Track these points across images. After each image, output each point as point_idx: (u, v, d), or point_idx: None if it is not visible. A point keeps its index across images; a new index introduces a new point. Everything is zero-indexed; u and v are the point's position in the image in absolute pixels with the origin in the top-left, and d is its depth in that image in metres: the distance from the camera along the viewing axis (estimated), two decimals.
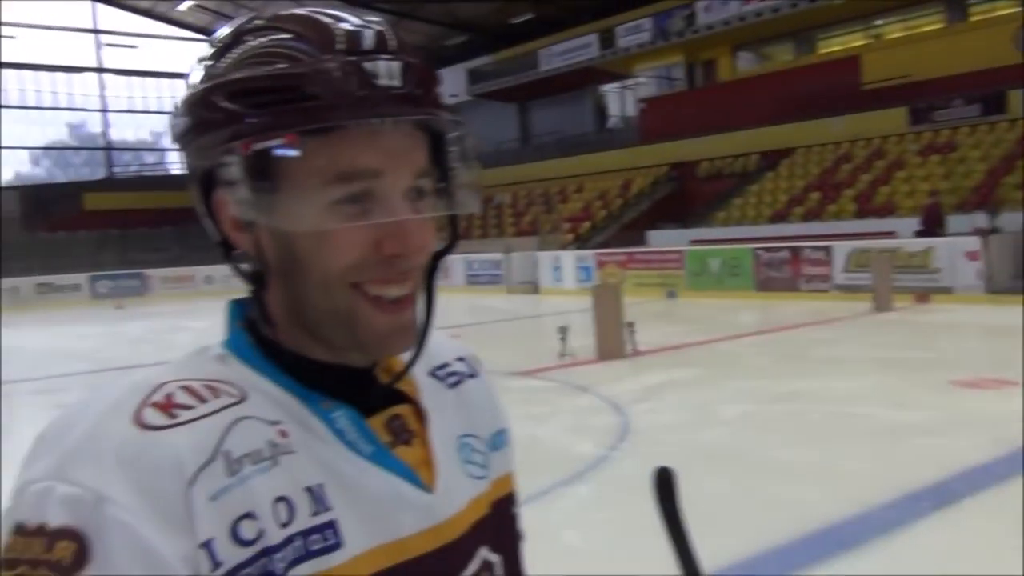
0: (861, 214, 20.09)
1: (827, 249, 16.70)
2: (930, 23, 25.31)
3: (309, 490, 0.67)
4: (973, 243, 14.69)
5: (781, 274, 17.25)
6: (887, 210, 19.65)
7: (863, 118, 23.32)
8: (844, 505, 4.43)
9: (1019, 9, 23.08)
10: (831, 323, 12.80)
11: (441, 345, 0.87)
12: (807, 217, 21.18)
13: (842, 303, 14.89)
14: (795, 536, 4.09)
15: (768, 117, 25.10)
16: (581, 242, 24.32)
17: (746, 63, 30.03)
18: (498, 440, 0.86)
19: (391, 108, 0.67)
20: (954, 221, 16.59)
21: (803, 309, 14.62)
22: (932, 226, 16.03)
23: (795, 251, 17.18)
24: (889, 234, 17.35)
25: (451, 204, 0.75)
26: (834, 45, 27.60)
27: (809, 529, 4.16)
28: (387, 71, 0.67)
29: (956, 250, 14.88)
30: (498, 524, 0.81)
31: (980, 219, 15.83)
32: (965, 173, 19.46)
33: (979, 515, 4.29)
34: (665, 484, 0.83)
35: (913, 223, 17.17)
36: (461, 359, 0.88)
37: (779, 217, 21.88)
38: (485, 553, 0.78)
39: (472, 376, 0.87)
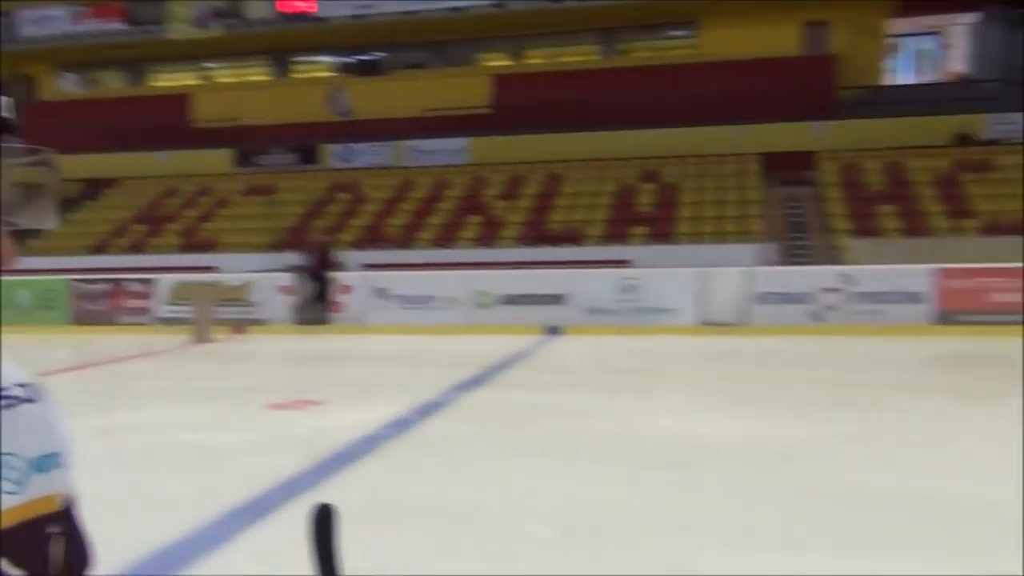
0: (186, 249, 20.30)
1: (150, 282, 16.47)
2: (257, 73, 26.95)
3: None
4: (286, 279, 15.95)
5: (100, 307, 16.46)
6: (210, 246, 20.20)
7: (191, 155, 23.71)
8: (167, 531, 4.35)
9: (331, 74, 25.99)
10: (153, 356, 12.60)
11: (5, 370, 0.91)
12: (131, 250, 20.64)
13: (164, 336, 14.80)
14: (118, 568, 3.88)
15: (93, 144, 23.92)
16: None
17: (72, 84, 28.27)
18: (45, 463, 0.89)
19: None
20: (272, 259, 17.81)
21: (124, 342, 14.14)
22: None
23: (116, 283, 16.57)
24: (211, 268, 17.84)
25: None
26: (165, 80, 27.62)
27: (132, 559, 4.00)
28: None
29: (271, 285, 15.98)
30: (28, 541, 0.83)
31: (292, 257, 17.25)
32: (283, 215, 21.06)
33: (294, 520, 4.61)
34: (323, 523, 0.86)
35: (235, 258, 17.95)
36: (23, 385, 0.91)
37: (100, 248, 20.90)
38: (4, 566, 0.81)
39: (30, 401, 0.90)
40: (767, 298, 13.83)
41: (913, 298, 13.44)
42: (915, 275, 13.58)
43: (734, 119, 21.95)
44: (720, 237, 18.04)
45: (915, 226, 17.47)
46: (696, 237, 18.23)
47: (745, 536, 4.65)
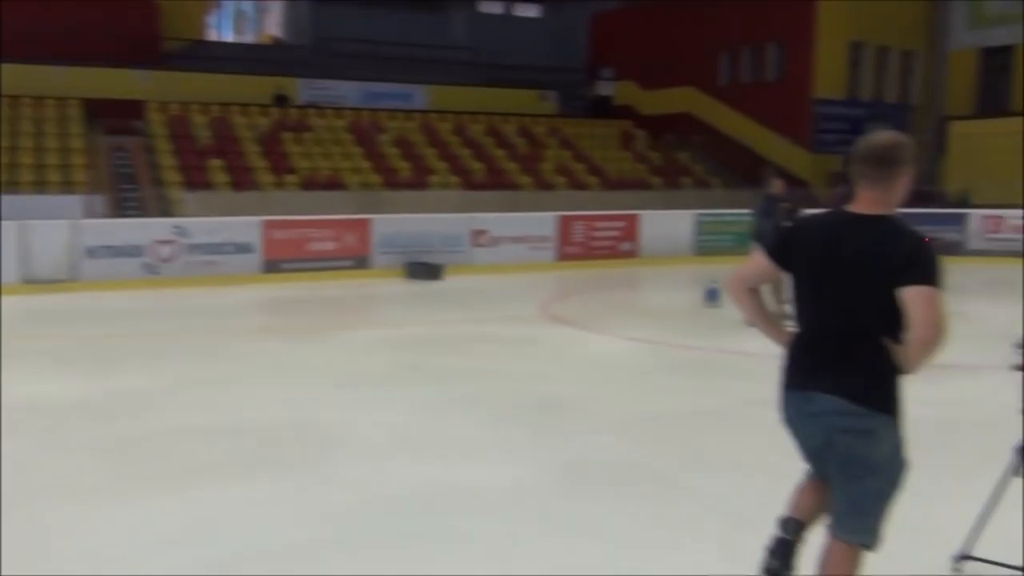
0: None
1: None
2: None
3: None
4: None
5: None
6: None
7: None
8: None
9: None
10: None
11: None
12: None
13: None
14: None
15: None
16: None
17: None
18: None
19: None
20: None
21: None
22: None
23: None
24: None
25: None
26: None
27: None
28: None
29: None
30: None
31: None
32: None
33: None
34: None
35: None
36: None
37: None
38: None
39: None
40: (97, 252, 13.25)
41: (243, 248, 14.18)
42: (245, 227, 14.33)
43: (52, 59, 20.23)
44: (40, 187, 16.60)
45: (242, 180, 18.33)
46: (12, 187, 16.48)
47: (94, 490, 4.61)
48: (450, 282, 14.10)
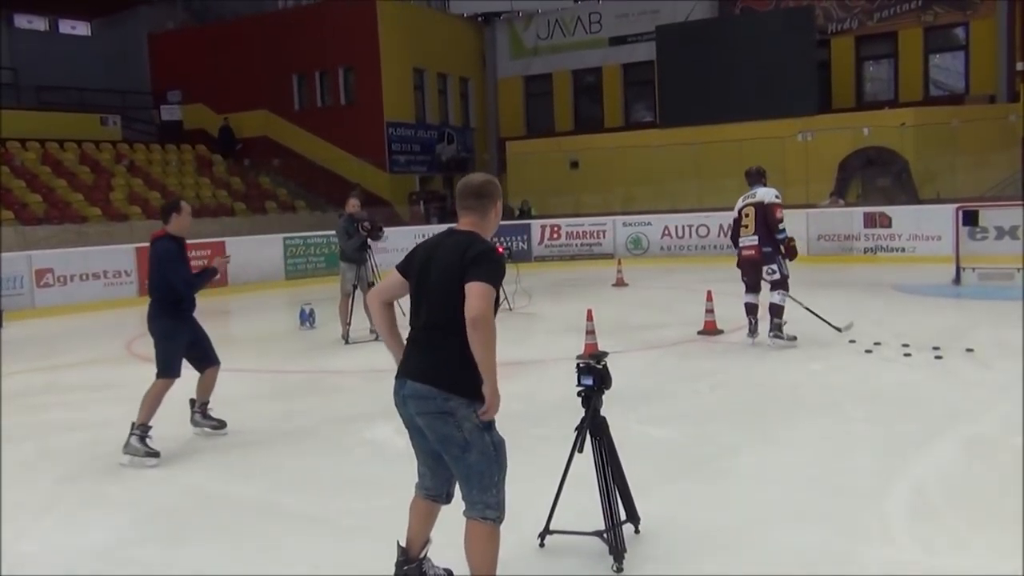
0: None
1: None
2: None
3: None
4: None
5: None
6: None
7: None
8: None
9: None
10: None
11: None
12: None
13: None
14: None
15: None
16: None
17: None
18: None
19: None
20: None
21: None
22: None
23: None
24: None
25: None
26: None
27: None
28: None
29: None
30: None
31: None
32: None
33: None
34: None
35: None
36: None
37: None
38: None
39: None
40: None
41: None
42: None
43: None
44: None
45: None
46: None
47: None
48: (11, 330, 12.51)
